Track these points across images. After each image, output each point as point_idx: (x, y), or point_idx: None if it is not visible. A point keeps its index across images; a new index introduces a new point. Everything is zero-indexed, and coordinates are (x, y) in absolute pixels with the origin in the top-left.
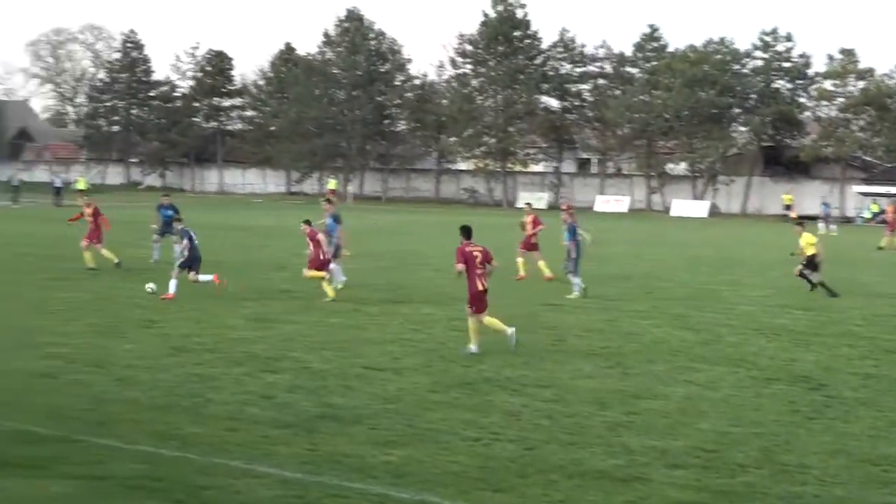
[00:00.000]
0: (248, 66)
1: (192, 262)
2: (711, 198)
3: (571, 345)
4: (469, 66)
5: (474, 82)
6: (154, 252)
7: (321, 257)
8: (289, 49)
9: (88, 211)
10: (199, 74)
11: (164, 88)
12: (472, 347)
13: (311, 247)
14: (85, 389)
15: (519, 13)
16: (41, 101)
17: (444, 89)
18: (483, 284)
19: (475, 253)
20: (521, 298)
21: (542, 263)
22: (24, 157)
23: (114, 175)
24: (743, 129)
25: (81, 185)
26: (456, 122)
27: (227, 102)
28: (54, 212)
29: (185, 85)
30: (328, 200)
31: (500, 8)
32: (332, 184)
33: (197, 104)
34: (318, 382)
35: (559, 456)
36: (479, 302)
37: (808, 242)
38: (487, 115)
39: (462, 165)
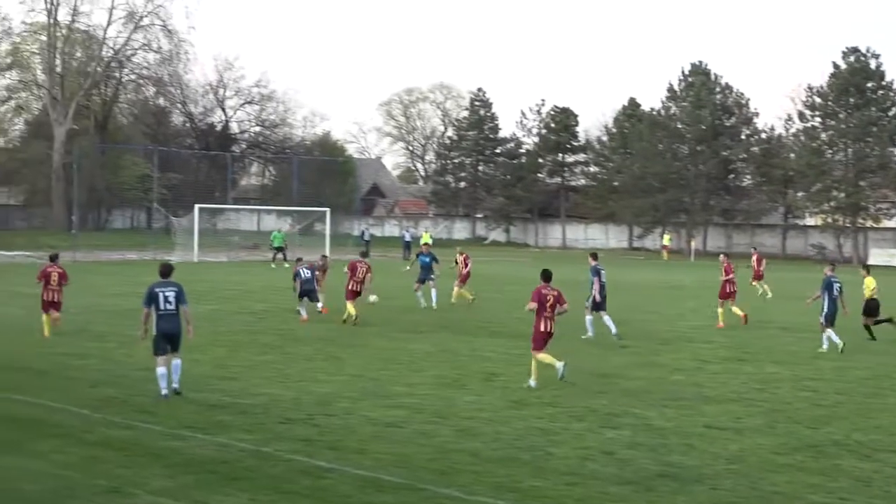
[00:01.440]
0: (592, 121)
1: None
2: None
3: None
4: (818, 119)
5: (823, 135)
6: (420, 299)
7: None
8: (633, 104)
9: (461, 258)
10: (544, 131)
11: (510, 145)
12: (532, 382)
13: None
14: (429, 439)
15: (872, 63)
16: (392, 159)
17: (792, 143)
18: (548, 327)
19: (549, 296)
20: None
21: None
22: (375, 212)
23: (459, 230)
24: None
25: (426, 239)
26: (804, 177)
27: (570, 158)
28: (401, 265)
29: (530, 141)
30: (594, 255)
31: (852, 59)
32: (666, 239)
33: (541, 160)
34: (659, 440)
35: None
36: (540, 341)
37: None
38: (837, 168)
39: (809, 221)
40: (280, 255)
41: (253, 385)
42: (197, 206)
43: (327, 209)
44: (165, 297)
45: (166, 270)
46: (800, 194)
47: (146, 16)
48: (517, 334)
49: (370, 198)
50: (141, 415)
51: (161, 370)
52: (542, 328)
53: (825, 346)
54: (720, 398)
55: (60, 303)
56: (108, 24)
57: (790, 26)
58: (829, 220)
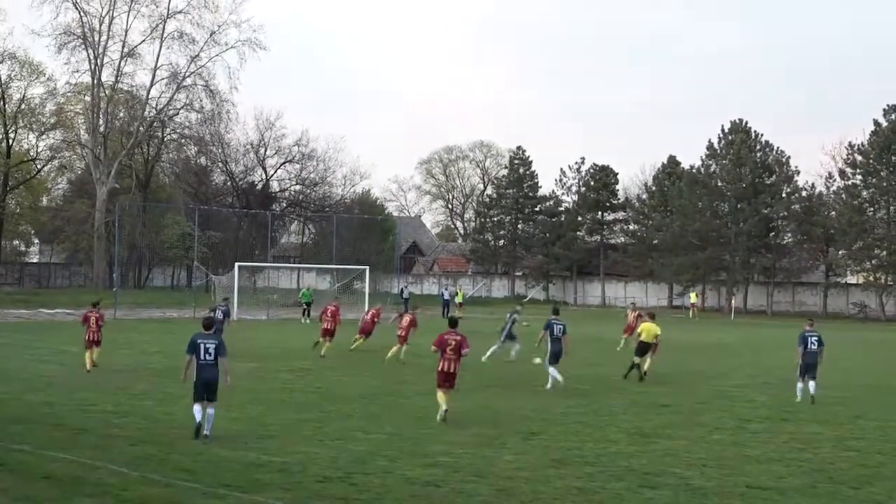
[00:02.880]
0: (632, 179)
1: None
2: None
3: None
4: (859, 177)
5: (864, 193)
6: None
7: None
8: (672, 162)
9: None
10: (584, 189)
11: (549, 203)
12: (444, 408)
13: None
14: (467, 499)
15: None
16: (432, 217)
17: (833, 201)
18: (449, 367)
19: (451, 341)
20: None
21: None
22: (414, 270)
23: (498, 288)
24: None
25: (459, 298)
26: (845, 235)
27: (610, 216)
28: (441, 322)
29: (569, 199)
30: (554, 310)
31: (893, 117)
32: (693, 297)
33: (580, 218)
34: (699, 500)
35: None
36: (443, 380)
37: None
38: (878, 226)
39: (851, 278)
40: (308, 311)
41: (291, 443)
42: (237, 265)
43: (366, 267)
44: (206, 349)
45: (209, 323)
46: (841, 252)
47: (189, 76)
48: (556, 392)
49: (409, 256)
50: (179, 473)
51: (196, 407)
52: (442, 368)
53: (799, 397)
54: (761, 458)
55: (100, 341)
56: (152, 84)
57: (831, 84)
58: (871, 278)
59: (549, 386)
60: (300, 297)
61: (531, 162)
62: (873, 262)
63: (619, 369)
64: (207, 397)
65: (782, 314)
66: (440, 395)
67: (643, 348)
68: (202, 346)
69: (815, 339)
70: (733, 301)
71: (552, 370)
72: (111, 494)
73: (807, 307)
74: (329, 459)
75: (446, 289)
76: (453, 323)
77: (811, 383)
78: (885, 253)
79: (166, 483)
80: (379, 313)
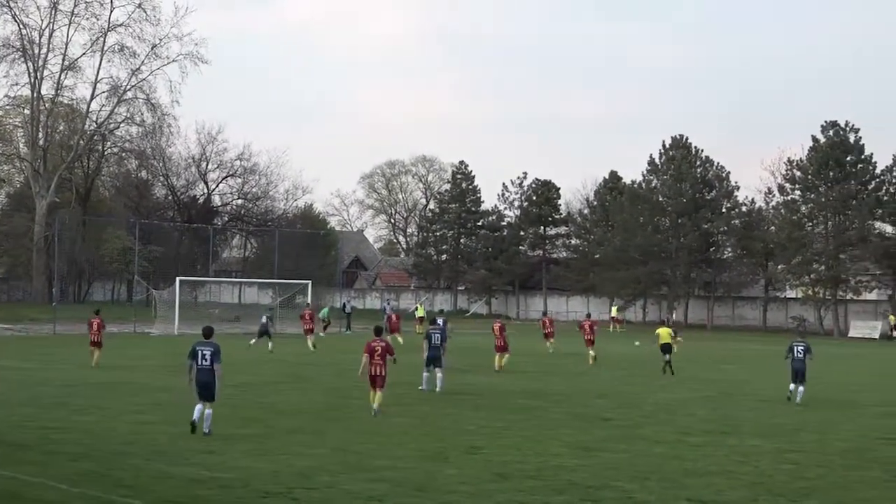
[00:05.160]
0: (574, 194)
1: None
2: None
3: None
4: (798, 192)
5: (804, 208)
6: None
7: None
8: (614, 177)
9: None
10: (526, 203)
11: (492, 218)
12: (374, 407)
13: None
14: None
15: (851, 137)
16: (374, 231)
17: (772, 216)
18: (376, 371)
19: (377, 347)
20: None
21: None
22: (357, 284)
23: (441, 302)
24: None
25: (420, 313)
26: (784, 249)
27: (552, 231)
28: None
29: (511, 214)
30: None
31: (831, 133)
32: (613, 311)
33: (523, 233)
34: None
35: None
36: (373, 382)
37: None
38: (817, 241)
39: (790, 293)
40: (325, 330)
41: (233, 458)
42: (178, 279)
43: (309, 281)
44: (203, 355)
45: (208, 332)
46: (780, 267)
47: (130, 89)
48: (499, 406)
49: (352, 270)
50: (120, 489)
51: (197, 407)
52: (371, 372)
53: (798, 399)
54: (702, 471)
55: (101, 343)
56: (92, 97)
57: (770, 101)
58: (810, 292)
59: (423, 386)
60: (321, 317)
61: (473, 176)
62: (812, 276)
63: (562, 383)
64: (205, 398)
65: (722, 328)
66: (371, 395)
67: (665, 348)
68: (200, 352)
69: (802, 348)
70: (674, 315)
71: (438, 373)
72: None
73: (746, 321)
74: (271, 474)
75: (388, 303)
76: (378, 331)
77: (800, 388)
78: (823, 268)
79: (107, 500)
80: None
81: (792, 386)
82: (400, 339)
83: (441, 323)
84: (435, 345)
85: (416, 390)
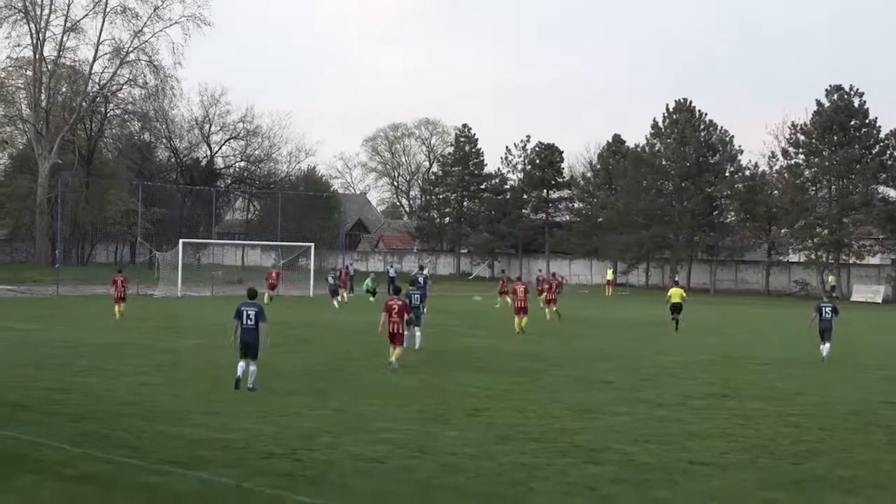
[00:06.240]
0: (577, 158)
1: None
2: None
3: None
4: (801, 157)
5: (807, 173)
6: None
7: None
8: (617, 140)
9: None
10: (529, 167)
11: (495, 181)
12: (392, 361)
13: None
14: (411, 475)
15: (856, 101)
16: (377, 194)
17: (775, 180)
18: (394, 328)
19: (395, 305)
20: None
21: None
22: (360, 247)
23: (444, 265)
24: None
25: (426, 273)
26: (787, 213)
27: (555, 194)
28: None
29: (514, 177)
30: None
31: (835, 97)
32: (609, 274)
33: (526, 196)
34: (642, 476)
35: None
36: (392, 339)
37: None
38: (820, 205)
39: (793, 257)
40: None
41: (235, 420)
42: (181, 241)
43: (311, 244)
44: (247, 315)
45: (252, 294)
46: (783, 231)
47: (132, 51)
48: (502, 369)
49: (355, 233)
50: (122, 449)
51: (240, 365)
52: (391, 329)
53: (824, 356)
54: (703, 434)
55: (125, 297)
56: (94, 59)
57: (774, 64)
58: (813, 256)
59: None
60: (365, 286)
61: (477, 140)
62: (815, 240)
63: (563, 346)
64: (250, 356)
65: (725, 292)
66: (391, 350)
67: (675, 307)
68: (244, 312)
69: (830, 309)
70: (677, 279)
71: (417, 332)
72: (52, 471)
73: (749, 285)
74: (273, 436)
75: (391, 266)
76: (396, 290)
77: (826, 345)
78: (826, 232)
79: (109, 460)
80: None
81: (821, 346)
82: None
83: (421, 282)
84: (414, 305)
85: (413, 352)
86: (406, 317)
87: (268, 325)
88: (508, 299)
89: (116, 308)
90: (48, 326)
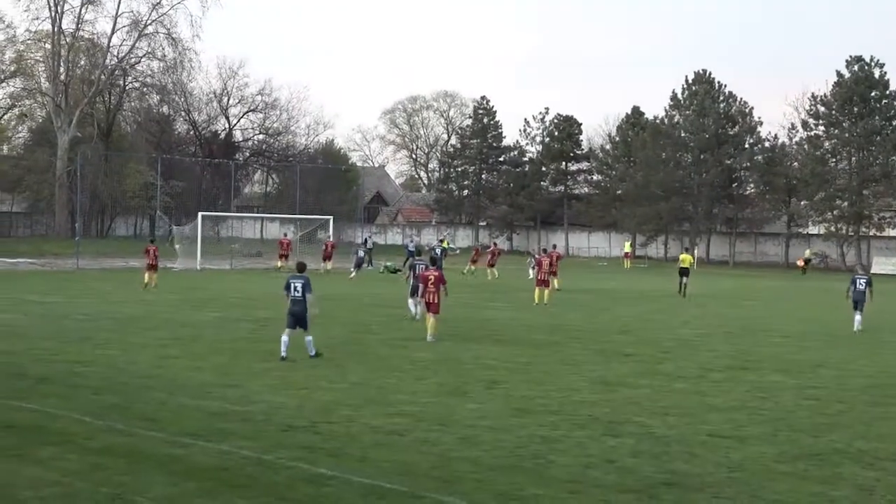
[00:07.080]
0: (596, 130)
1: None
2: None
3: None
4: (822, 128)
5: (827, 144)
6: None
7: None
8: (636, 112)
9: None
10: (548, 139)
11: (514, 153)
12: (429, 337)
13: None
14: (431, 447)
15: (876, 73)
16: (396, 167)
17: (795, 152)
18: (430, 298)
19: (430, 276)
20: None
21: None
22: (378, 220)
23: (462, 238)
24: None
25: (445, 245)
26: (807, 185)
27: (574, 166)
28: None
29: (533, 150)
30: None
31: (856, 68)
32: (626, 246)
33: (544, 168)
34: (661, 448)
35: None
36: (429, 307)
37: None
38: (840, 177)
39: (813, 229)
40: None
41: (255, 392)
42: (200, 214)
43: (330, 217)
44: (295, 287)
45: (301, 267)
46: (803, 203)
47: (150, 24)
48: (521, 342)
49: (373, 205)
50: (143, 422)
51: (284, 338)
52: (427, 298)
53: (855, 327)
54: (723, 406)
55: (156, 266)
56: (113, 32)
57: (795, 35)
58: (832, 228)
59: (413, 314)
60: (383, 269)
61: (495, 112)
62: (834, 212)
63: (582, 319)
64: (301, 326)
65: (744, 264)
66: (427, 319)
67: (683, 271)
68: (292, 285)
69: (864, 280)
70: (696, 251)
71: (411, 302)
72: (74, 443)
73: (768, 257)
74: (293, 408)
75: (411, 240)
76: (433, 261)
77: (858, 316)
78: (846, 204)
79: (130, 432)
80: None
81: (855, 318)
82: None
83: (439, 253)
84: (418, 274)
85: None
86: (442, 287)
87: (313, 296)
88: (474, 268)
89: (147, 275)
90: (69, 299)
